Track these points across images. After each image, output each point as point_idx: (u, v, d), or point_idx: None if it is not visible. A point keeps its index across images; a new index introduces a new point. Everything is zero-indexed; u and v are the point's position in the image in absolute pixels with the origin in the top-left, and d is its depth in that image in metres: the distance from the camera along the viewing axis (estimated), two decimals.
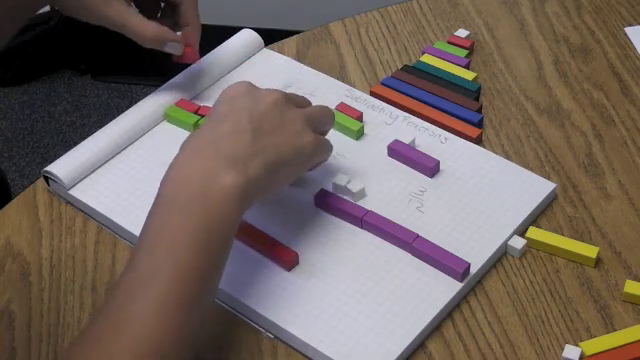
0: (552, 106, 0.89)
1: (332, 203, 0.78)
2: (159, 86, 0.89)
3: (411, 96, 0.89)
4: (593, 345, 0.69)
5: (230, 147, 0.68)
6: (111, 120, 0.86)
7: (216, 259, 0.64)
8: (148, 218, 0.66)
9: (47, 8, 0.81)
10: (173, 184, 0.66)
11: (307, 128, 0.73)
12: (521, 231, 0.77)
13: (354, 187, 0.78)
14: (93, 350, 0.59)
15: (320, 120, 0.76)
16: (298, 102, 0.76)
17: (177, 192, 0.65)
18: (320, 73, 0.92)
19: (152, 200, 0.79)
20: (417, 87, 0.89)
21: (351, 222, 0.77)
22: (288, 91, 0.89)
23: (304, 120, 0.73)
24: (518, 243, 0.76)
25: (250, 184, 0.66)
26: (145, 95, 0.89)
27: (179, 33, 0.86)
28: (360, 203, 0.78)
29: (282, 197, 0.79)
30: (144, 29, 0.82)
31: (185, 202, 0.64)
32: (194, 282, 0.62)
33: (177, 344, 0.60)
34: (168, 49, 0.84)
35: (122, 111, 0.87)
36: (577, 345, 0.69)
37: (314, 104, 0.77)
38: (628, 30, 0.97)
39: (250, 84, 0.74)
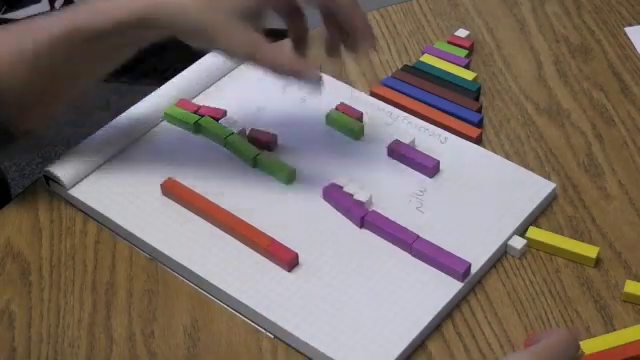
0: (552, 106, 0.90)
1: (336, 198, 0.78)
2: (159, 86, 0.89)
3: (411, 96, 0.89)
4: (593, 345, 0.69)
5: None
6: (111, 120, 0.86)
7: None
8: None
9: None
10: None
11: None
12: (521, 231, 0.77)
13: (362, 197, 0.78)
14: None
15: None
16: None
17: None
18: (320, 73, 0.92)
19: (152, 200, 0.80)
20: (417, 87, 0.89)
21: (352, 221, 0.77)
22: (288, 91, 0.89)
23: None
24: (518, 243, 0.76)
25: None
26: (145, 95, 0.89)
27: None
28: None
29: (283, 198, 0.80)
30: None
31: None
32: None
33: None
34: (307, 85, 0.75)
35: (122, 111, 0.87)
36: None
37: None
38: (628, 30, 0.97)
39: None
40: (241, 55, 0.76)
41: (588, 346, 0.68)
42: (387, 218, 0.76)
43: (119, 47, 0.77)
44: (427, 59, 0.93)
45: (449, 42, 0.95)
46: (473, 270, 0.73)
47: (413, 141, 0.83)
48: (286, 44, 0.79)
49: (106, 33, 0.74)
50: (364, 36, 0.77)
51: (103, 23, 0.74)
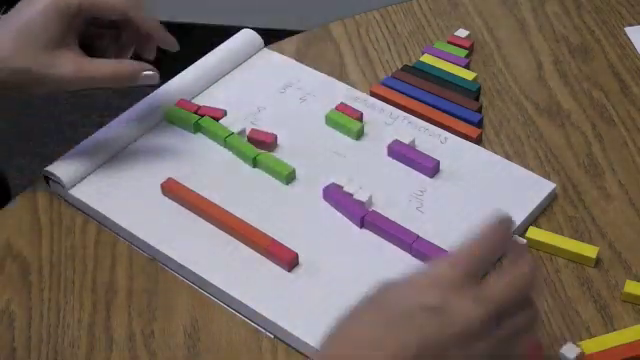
0: (552, 106, 0.89)
1: (336, 198, 0.78)
2: (159, 86, 0.89)
3: (411, 96, 0.89)
4: (593, 345, 0.69)
5: None
6: (111, 120, 0.86)
7: None
8: None
9: None
10: None
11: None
12: (521, 231, 0.77)
13: (362, 197, 0.78)
14: None
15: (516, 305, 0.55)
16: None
17: None
18: (320, 73, 0.92)
19: (152, 200, 0.80)
20: (417, 87, 0.89)
21: (352, 221, 0.77)
22: (288, 91, 0.89)
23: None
24: None
25: None
26: (145, 95, 0.89)
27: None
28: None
29: (283, 198, 0.80)
30: (114, 70, 0.78)
31: None
32: None
33: None
34: (142, 81, 0.79)
35: (122, 111, 0.87)
36: (577, 345, 0.69)
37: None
38: (628, 30, 0.97)
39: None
40: (71, 81, 0.76)
41: (588, 346, 0.68)
42: (387, 218, 0.76)
43: None
44: (427, 59, 0.93)
45: (449, 42, 0.95)
46: None
47: (413, 141, 0.83)
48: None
49: None
50: (163, 40, 0.81)
51: None
